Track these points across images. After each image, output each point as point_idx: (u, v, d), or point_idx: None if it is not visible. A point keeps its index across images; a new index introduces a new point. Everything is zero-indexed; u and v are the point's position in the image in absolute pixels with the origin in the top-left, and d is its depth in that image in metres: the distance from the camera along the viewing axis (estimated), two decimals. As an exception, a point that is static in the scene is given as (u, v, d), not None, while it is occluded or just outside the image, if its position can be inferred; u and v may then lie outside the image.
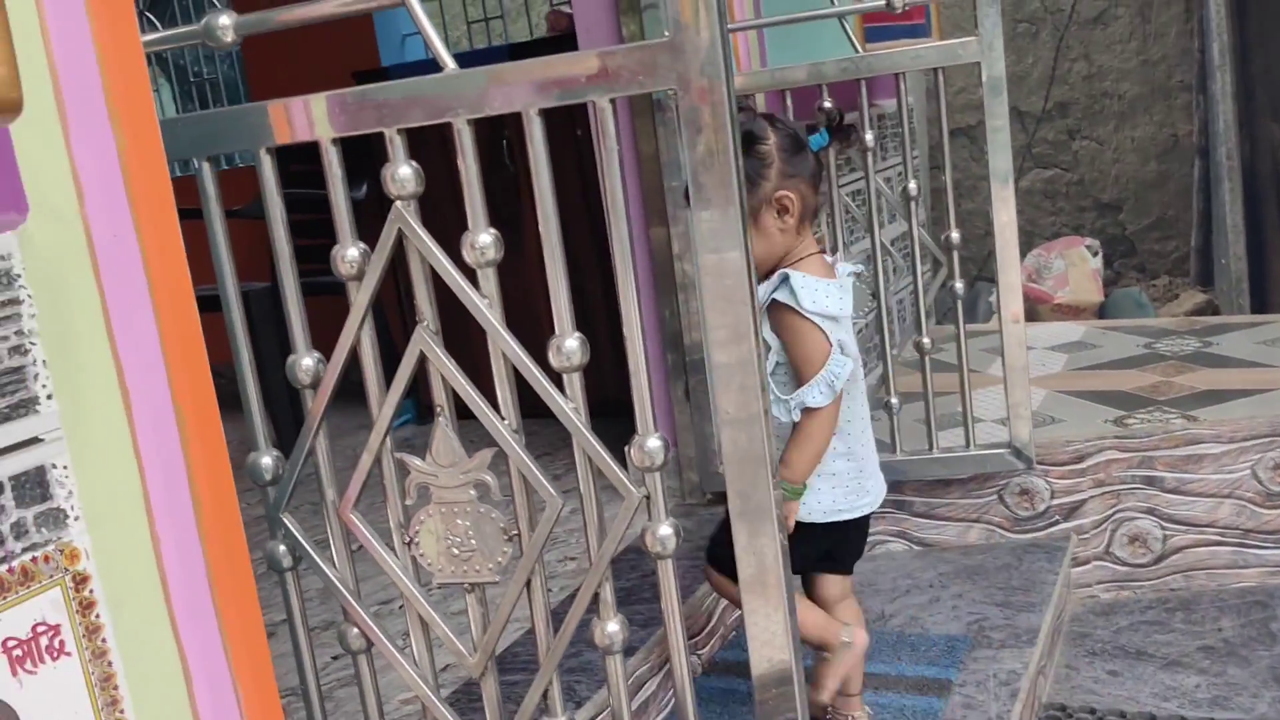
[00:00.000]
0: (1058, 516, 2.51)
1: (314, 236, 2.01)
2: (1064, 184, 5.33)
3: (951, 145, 5.51)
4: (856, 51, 2.31)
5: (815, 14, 2.30)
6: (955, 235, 2.33)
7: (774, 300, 1.56)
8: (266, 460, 1.24)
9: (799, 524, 1.65)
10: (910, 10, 3.26)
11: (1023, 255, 5.16)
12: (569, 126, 2.93)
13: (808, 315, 1.54)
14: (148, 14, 4.08)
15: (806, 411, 1.56)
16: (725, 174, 1.01)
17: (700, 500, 2.49)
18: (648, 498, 1.09)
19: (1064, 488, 2.50)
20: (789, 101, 2.35)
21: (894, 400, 2.43)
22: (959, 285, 2.33)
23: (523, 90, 1.06)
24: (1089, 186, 5.31)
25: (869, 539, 1.85)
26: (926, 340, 2.38)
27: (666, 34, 1.01)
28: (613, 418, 1.64)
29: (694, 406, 2.44)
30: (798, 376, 1.58)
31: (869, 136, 2.32)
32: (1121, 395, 2.72)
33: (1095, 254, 4.89)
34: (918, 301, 2.39)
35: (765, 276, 1.60)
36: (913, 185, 2.33)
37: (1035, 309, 4.66)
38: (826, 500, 1.68)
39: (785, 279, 1.56)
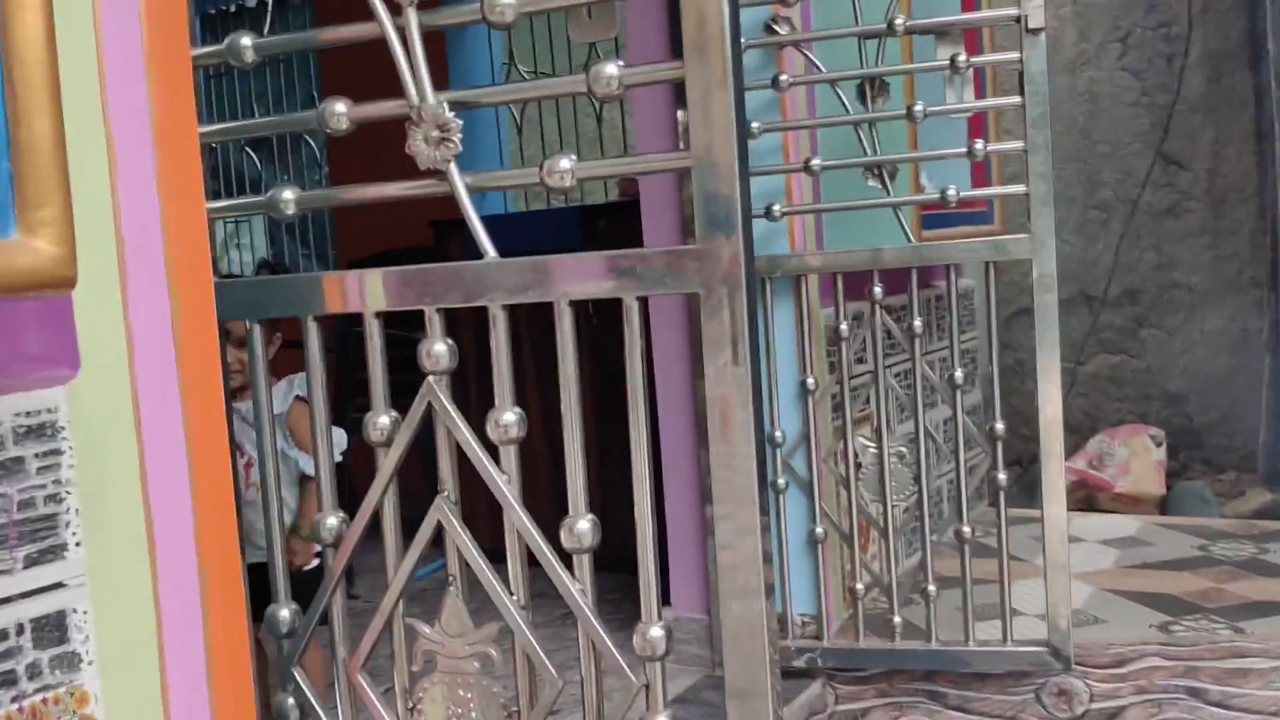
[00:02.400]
0: (1096, 721, 2.43)
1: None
2: (1130, 371, 5.30)
3: (1018, 325, 5.51)
4: (910, 240, 2.36)
5: (872, 203, 2.36)
6: (1000, 426, 2.33)
7: (298, 396, 2.23)
8: (285, 613, 1.27)
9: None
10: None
11: (1086, 439, 5.10)
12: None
13: None
14: (248, 149, 4.26)
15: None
16: (741, 380, 1.04)
17: (730, 672, 2.46)
18: (647, 686, 1.10)
19: (1104, 691, 2.43)
20: (840, 284, 2.40)
21: (932, 588, 2.40)
22: (1001, 476, 2.33)
23: (557, 283, 1.12)
24: (1156, 375, 5.27)
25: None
26: (967, 529, 2.36)
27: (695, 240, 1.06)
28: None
29: (729, 577, 2.43)
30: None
31: (918, 323, 2.36)
32: (1170, 599, 2.66)
33: (1159, 444, 4.82)
34: (959, 488, 2.38)
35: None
36: (959, 374, 2.35)
37: (1095, 497, 4.59)
38: None
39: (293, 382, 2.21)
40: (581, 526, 1.12)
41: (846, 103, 2.37)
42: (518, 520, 1.13)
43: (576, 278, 1.11)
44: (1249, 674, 2.37)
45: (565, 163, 1.12)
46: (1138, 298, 5.31)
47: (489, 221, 1.18)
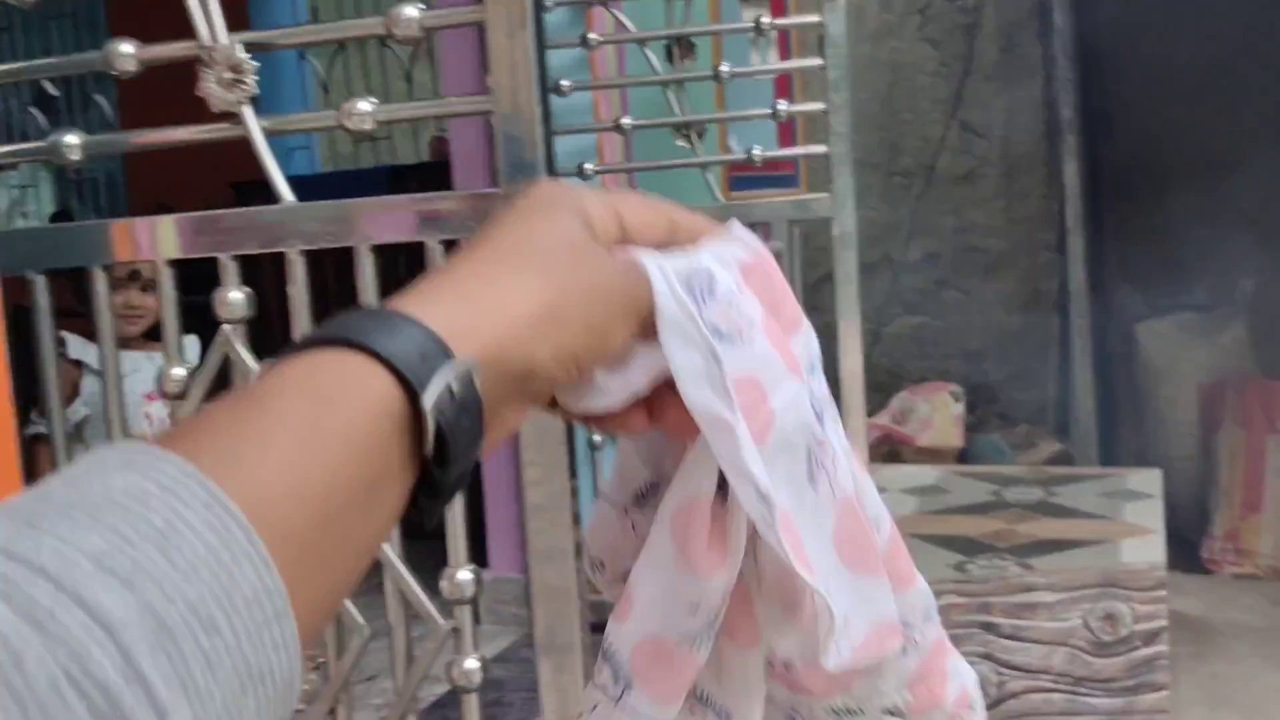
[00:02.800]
0: (899, 658, 2.55)
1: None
2: (931, 331, 5.53)
3: (826, 290, 5.68)
4: (717, 200, 2.41)
5: (681, 163, 2.40)
6: (807, 379, 2.41)
7: None
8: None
9: None
10: (780, 162, 3.41)
11: (891, 397, 5.32)
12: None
13: None
14: (32, 109, 4.01)
15: None
16: (544, 319, 1.05)
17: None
18: (456, 630, 1.11)
19: (906, 630, 2.55)
20: (653, 242, 2.43)
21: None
22: (809, 427, 2.41)
23: (358, 228, 1.10)
24: (955, 334, 5.52)
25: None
26: (777, 479, 2.44)
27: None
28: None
29: (547, 534, 2.45)
30: None
31: (728, 280, 2.41)
32: (965, 541, 2.81)
33: (959, 400, 5.07)
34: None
35: None
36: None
37: (899, 450, 4.79)
38: None
39: None
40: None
41: (654, 63, 2.39)
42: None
43: (378, 223, 1.10)
44: (1036, 607, 2.53)
45: (364, 105, 1.10)
46: (938, 261, 5.54)
47: (296, 183, 1.15)
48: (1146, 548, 2.71)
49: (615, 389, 0.52)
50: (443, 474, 0.42)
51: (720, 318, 0.51)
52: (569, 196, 0.50)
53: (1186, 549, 4.00)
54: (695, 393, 0.50)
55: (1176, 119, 4.59)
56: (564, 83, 2.34)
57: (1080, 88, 4.87)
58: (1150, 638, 2.56)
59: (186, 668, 0.32)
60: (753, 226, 2.06)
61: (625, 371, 0.51)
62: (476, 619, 1.22)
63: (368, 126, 1.11)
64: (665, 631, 0.54)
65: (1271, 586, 3.82)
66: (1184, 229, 4.49)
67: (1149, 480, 3.34)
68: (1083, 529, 2.87)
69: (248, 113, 1.12)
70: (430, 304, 0.43)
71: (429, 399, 0.39)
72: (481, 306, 0.44)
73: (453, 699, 2.15)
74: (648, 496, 0.59)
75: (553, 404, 0.53)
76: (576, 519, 1.10)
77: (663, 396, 0.53)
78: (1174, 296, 4.62)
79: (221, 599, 0.33)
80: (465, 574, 1.10)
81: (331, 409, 0.38)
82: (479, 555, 2.26)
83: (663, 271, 0.50)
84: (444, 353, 0.41)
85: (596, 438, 2.51)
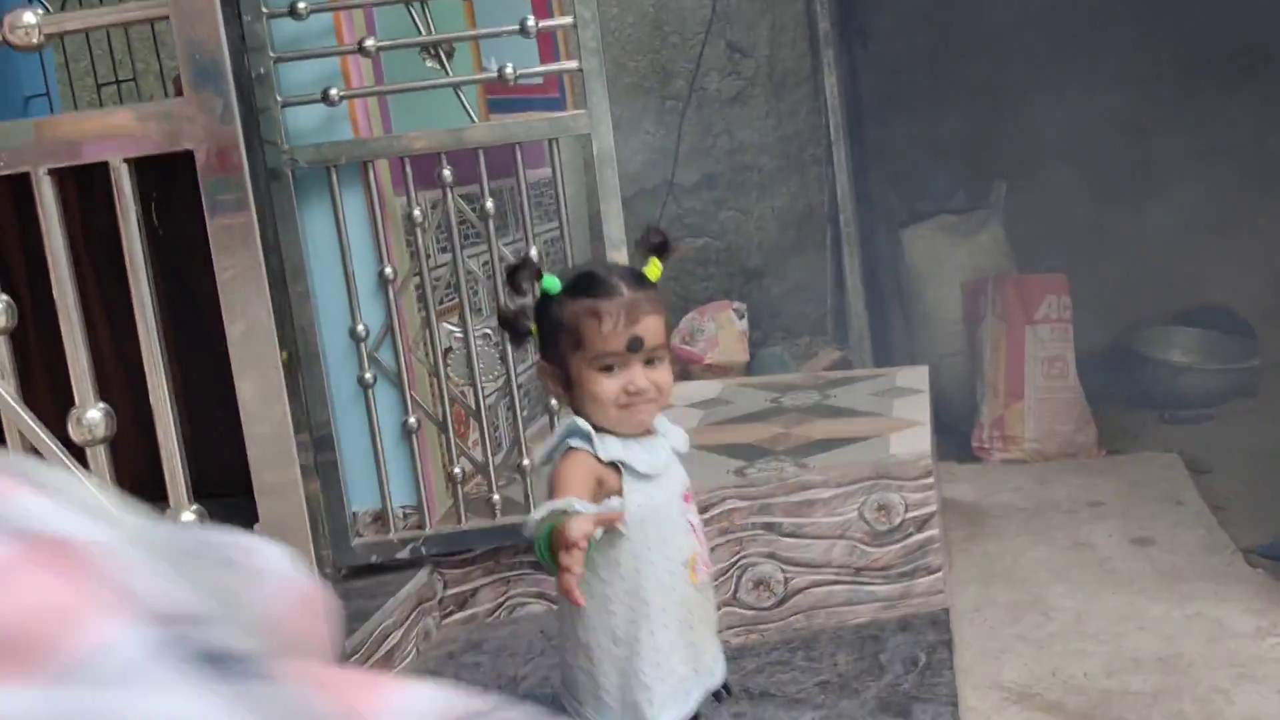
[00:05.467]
0: (688, 567, 2.60)
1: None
2: (714, 251, 5.62)
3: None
4: (473, 121, 2.35)
5: (430, 84, 2.33)
6: (575, 299, 2.40)
7: None
8: None
9: None
10: (546, 84, 3.37)
11: (678, 319, 5.39)
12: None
13: None
14: None
15: None
16: (247, 237, 0.99)
17: (334, 575, 2.42)
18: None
19: (692, 539, 2.59)
20: (409, 168, 2.36)
21: (526, 462, 2.46)
22: (581, 347, 2.40)
23: (31, 152, 1.01)
24: (736, 253, 5.62)
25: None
26: (554, 402, 2.43)
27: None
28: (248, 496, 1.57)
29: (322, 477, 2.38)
30: None
31: (490, 204, 2.37)
32: (745, 447, 2.87)
33: (742, 316, 5.17)
34: (543, 364, 2.44)
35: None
36: (533, 252, 2.39)
37: (688, 369, 4.86)
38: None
39: None
40: (92, 416, 1.04)
41: (396, -19, 2.30)
42: (14, 416, 1.03)
43: (52, 144, 1.01)
44: (814, 504, 2.61)
45: (30, 17, 1.01)
46: (715, 181, 5.61)
47: None
48: (914, 439, 2.83)
49: None
50: None
51: None
52: None
53: (959, 439, 4.21)
54: None
55: (925, 30, 4.76)
56: (300, 4, 2.23)
57: (836, 2, 4.99)
58: (922, 523, 2.68)
59: None
60: (513, 147, 2.01)
61: None
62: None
63: (35, 40, 1.01)
64: None
65: (1036, 468, 4.06)
66: (938, 136, 4.67)
67: (917, 377, 3.49)
68: (855, 427, 2.98)
69: (-106, 29, 1.01)
70: None
71: None
72: None
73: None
74: None
75: None
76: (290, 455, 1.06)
77: None
78: (934, 201, 4.82)
79: None
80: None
81: None
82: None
83: None
84: None
85: (368, 375, 2.44)
